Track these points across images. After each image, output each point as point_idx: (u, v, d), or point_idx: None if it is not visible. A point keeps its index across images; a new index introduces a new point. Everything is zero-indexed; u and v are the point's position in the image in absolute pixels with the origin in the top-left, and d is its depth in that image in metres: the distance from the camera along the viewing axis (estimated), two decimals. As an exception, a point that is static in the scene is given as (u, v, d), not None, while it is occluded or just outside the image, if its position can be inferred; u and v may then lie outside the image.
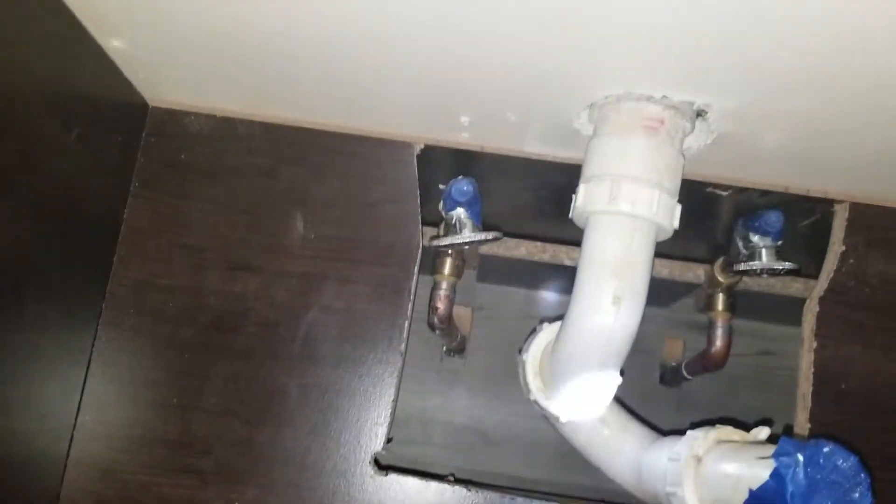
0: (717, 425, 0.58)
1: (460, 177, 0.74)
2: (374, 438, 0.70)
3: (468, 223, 0.73)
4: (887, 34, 0.47)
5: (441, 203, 0.76)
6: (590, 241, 0.60)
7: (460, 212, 0.74)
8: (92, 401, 0.71)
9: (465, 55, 0.58)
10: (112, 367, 0.71)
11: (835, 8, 0.45)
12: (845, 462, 0.46)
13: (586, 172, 0.61)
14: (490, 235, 0.73)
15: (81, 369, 0.70)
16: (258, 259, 0.73)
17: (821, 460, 0.45)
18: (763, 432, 0.56)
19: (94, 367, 0.71)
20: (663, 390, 1.22)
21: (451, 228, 0.74)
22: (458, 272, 0.85)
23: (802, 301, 0.78)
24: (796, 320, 0.78)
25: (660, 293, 1.05)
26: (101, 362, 0.71)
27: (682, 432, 0.62)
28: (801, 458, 0.46)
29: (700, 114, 0.60)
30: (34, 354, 0.62)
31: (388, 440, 0.70)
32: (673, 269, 0.94)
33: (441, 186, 0.77)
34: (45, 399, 0.66)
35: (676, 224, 0.60)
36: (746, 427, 0.58)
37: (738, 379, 1.19)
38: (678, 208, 0.60)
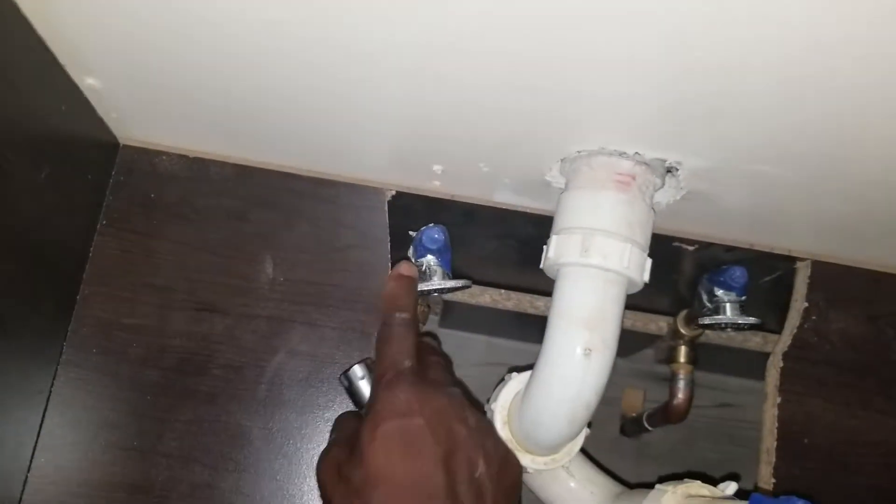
0: (686, 480, 0.58)
1: (431, 224, 0.74)
2: (340, 486, 0.69)
3: (438, 270, 0.73)
4: (846, 115, 0.49)
5: (411, 250, 0.76)
6: (561, 292, 0.60)
7: (430, 259, 0.74)
8: (48, 443, 0.69)
9: (440, 112, 0.58)
10: (71, 409, 0.69)
11: (800, 89, 0.47)
12: (814, 519, 0.46)
13: (558, 225, 0.62)
14: (460, 283, 0.73)
15: (38, 411, 0.69)
16: (226, 301, 0.72)
17: (791, 517, 0.46)
18: (731, 487, 0.56)
19: (52, 409, 0.69)
20: (623, 441, 1.22)
21: (421, 275, 0.74)
22: (423, 318, 0.85)
23: (760, 355, 0.79)
24: (754, 373, 0.79)
25: (622, 343, 1.06)
26: (59, 403, 0.69)
27: (644, 484, 0.62)
28: (771, 514, 0.46)
29: (670, 170, 0.61)
30: (-11, 395, 0.60)
31: (353, 488, 0.70)
32: (635, 321, 0.95)
33: (411, 233, 0.77)
34: (-1, 441, 0.64)
35: (647, 278, 0.60)
36: (712, 481, 0.59)
37: (697, 430, 1.20)
38: (649, 262, 0.61)
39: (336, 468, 0.57)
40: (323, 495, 0.59)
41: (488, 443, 0.57)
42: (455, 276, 0.76)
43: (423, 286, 0.73)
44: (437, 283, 0.74)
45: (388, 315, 0.64)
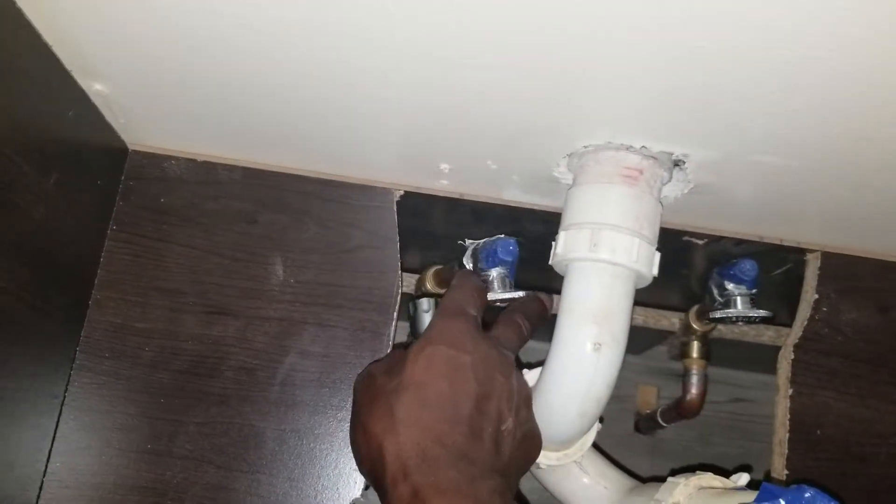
0: (698, 472, 0.58)
1: (502, 235, 0.74)
2: (353, 485, 0.70)
3: (506, 282, 0.73)
4: (849, 103, 0.49)
5: (472, 259, 0.75)
6: (570, 288, 0.61)
7: (500, 270, 0.73)
8: (63, 447, 0.69)
9: (447, 110, 0.59)
10: (84, 413, 0.70)
11: (806, 82, 0.47)
12: (826, 508, 0.46)
13: (566, 220, 0.62)
14: (523, 294, 0.72)
15: (53, 415, 0.69)
16: (236, 303, 0.73)
17: (802, 506, 0.46)
18: (743, 478, 0.56)
19: (66, 413, 0.70)
20: (637, 437, 1.22)
21: (487, 286, 0.73)
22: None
23: (774, 349, 0.79)
24: (768, 368, 0.79)
25: (634, 340, 1.06)
26: (73, 408, 0.70)
27: (660, 479, 0.62)
28: (783, 503, 0.46)
29: (678, 164, 0.61)
30: (2, 401, 0.61)
31: (367, 486, 0.70)
32: (647, 317, 0.95)
33: (469, 241, 0.77)
34: (14, 447, 0.64)
35: (656, 272, 0.60)
36: (725, 473, 0.59)
37: (711, 426, 1.20)
38: (657, 256, 0.61)
39: (371, 378, 0.58)
40: (354, 404, 0.60)
41: (522, 410, 0.58)
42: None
43: (489, 296, 0.72)
44: (501, 293, 0.72)
45: (464, 274, 0.66)
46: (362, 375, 0.60)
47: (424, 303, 0.65)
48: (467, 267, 0.76)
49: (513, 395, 0.57)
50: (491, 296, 0.71)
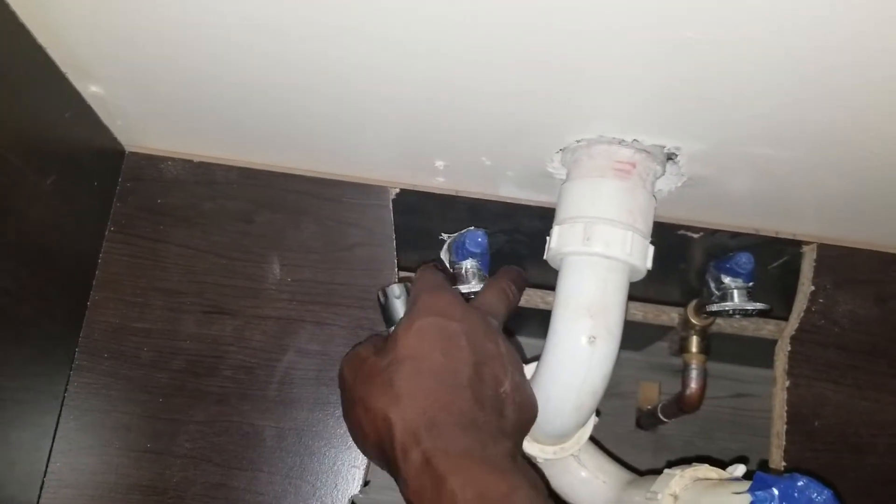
0: (694, 463, 0.58)
1: (472, 227, 0.74)
2: (352, 482, 0.70)
3: (478, 274, 0.73)
4: (845, 99, 0.49)
5: (446, 253, 0.76)
6: (564, 282, 0.61)
7: (470, 262, 0.73)
8: (63, 447, 0.70)
9: (442, 106, 0.59)
10: (85, 413, 0.70)
11: (797, 74, 0.47)
12: (819, 496, 0.46)
13: (560, 215, 0.62)
14: None
15: (53, 415, 0.70)
16: (234, 303, 0.73)
17: (795, 494, 0.46)
18: (739, 469, 0.56)
19: (67, 413, 0.70)
20: (640, 434, 1.22)
21: (460, 278, 0.74)
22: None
23: (775, 343, 0.79)
24: (769, 362, 0.79)
25: (634, 336, 1.06)
26: (73, 407, 0.70)
27: (659, 472, 0.62)
28: (776, 492, 0.46)
29: (670, 157, 0.61)
30: (3, 401, 0.61)
31: (366, 483, 0.70)
32: (647, 313, 0.95)
33: (444, 236, 0.77)
34: (15, 446, 0.65)
35: (649, 264, 0.60)
36: (723, 465, 0.59)
37: (713, 421, 1.19)
38: (651, 249, 0.61)
39: (360, 361, 0.58)
40: (342, 388, 0.59)
41: (516, 373, 0.58)
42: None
43: (462, 289, 0.73)
44: (475, 286, 0.73)
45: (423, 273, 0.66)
46: (348, 358, 0.60)
47: (396, 289, 0.65)
48: (444, 261, 0.77)
49: (504, 359, 0.57)
50: (464, 288, 0.72)
